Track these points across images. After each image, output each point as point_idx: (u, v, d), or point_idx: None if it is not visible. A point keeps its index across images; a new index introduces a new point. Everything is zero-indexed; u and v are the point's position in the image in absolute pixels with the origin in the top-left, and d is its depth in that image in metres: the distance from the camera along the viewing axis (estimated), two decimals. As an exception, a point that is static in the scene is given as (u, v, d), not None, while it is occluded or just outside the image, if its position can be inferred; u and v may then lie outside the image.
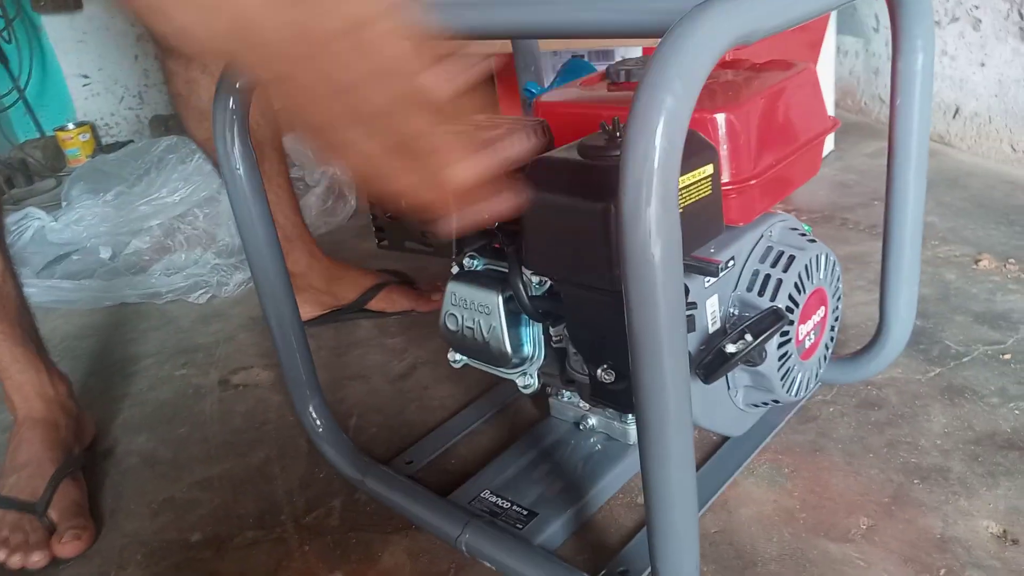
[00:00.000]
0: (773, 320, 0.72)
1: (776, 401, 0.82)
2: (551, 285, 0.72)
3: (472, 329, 0.76)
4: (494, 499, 0.83)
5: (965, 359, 0.99)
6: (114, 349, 1.37)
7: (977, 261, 1.22)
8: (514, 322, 0.75)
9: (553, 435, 0.92)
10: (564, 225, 0.64)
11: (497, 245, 0.78)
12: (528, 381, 0.77)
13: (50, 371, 1.02)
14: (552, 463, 0.88)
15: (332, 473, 0.94)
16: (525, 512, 0.81)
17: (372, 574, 0.80)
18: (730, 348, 0.70)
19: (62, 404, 1.02)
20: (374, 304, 1.31)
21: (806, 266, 0.77)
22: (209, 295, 1.50)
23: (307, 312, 1.26)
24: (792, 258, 0.77)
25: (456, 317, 0.78)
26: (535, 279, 0.73)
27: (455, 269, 0.80)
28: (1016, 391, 0.92)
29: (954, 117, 1.69)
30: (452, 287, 0.78)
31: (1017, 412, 0.89)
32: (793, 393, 0.80)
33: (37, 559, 0.85)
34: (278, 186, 1.21)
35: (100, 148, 2.73)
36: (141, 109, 2.89)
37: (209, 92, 1.11)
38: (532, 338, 0.76)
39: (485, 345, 0.76)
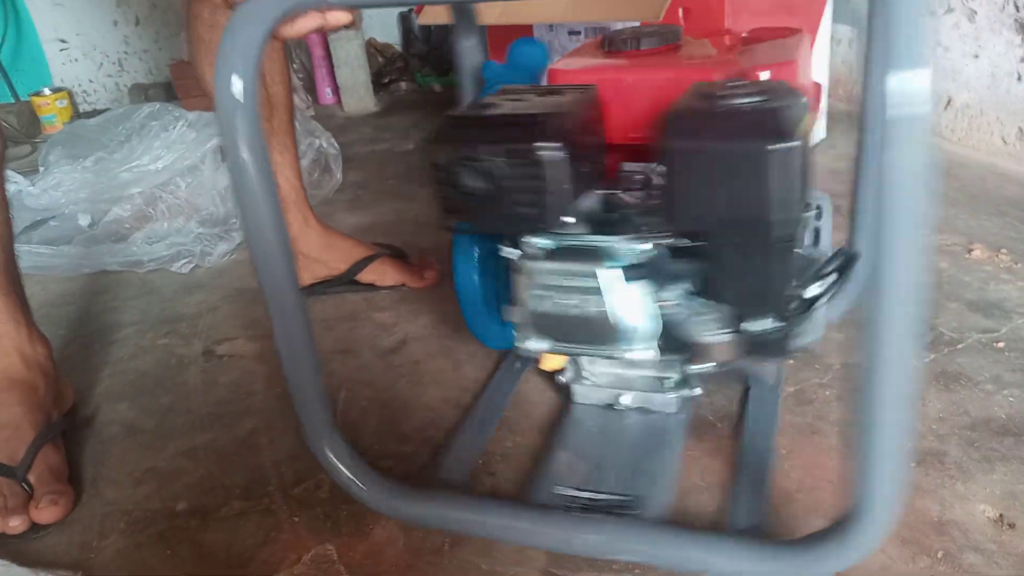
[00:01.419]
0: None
1: None
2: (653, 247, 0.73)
3: (578, 309, 0.74)
4: (572, 493, 0.79)
5: (959, 346, 0.99)
6: (94, 317, 1.33)
7: (970, 251, 1.22)
8: (627, 296, 0.74)
9: (589, 420, 0.89)
10: (721, 174, 0.63)
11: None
12: (653, 354, 0.76)
13: (30, 329, 0.98)
14: (604, 446, 0.85)
15: (321, 445, 0.92)
16: (616, 497, 0.78)
17: (364, 547, 0.78)
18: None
19: (41, 365, 0.98)
20: (364, 276, 1.28)
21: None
22: (192, 265, 1.47)
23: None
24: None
25: (549, 299, 0.75)
26: (638, 247, 0.73)
27: (514, 254, 0.78)
28: (1010, 378, 0.92)
29: (946, 108, 1.69)
30: (538, 267, 0.76)
31: (1012, 399, 0.89)
32: None
33: (16, 524, 0.82)
34: (283, 145, 1.18)
35: (78, 115, 2.67)
36: (120, 77, 2.83)
37: None
38: (646, 310, 0.75)
39: (595, 325, 0.74)
